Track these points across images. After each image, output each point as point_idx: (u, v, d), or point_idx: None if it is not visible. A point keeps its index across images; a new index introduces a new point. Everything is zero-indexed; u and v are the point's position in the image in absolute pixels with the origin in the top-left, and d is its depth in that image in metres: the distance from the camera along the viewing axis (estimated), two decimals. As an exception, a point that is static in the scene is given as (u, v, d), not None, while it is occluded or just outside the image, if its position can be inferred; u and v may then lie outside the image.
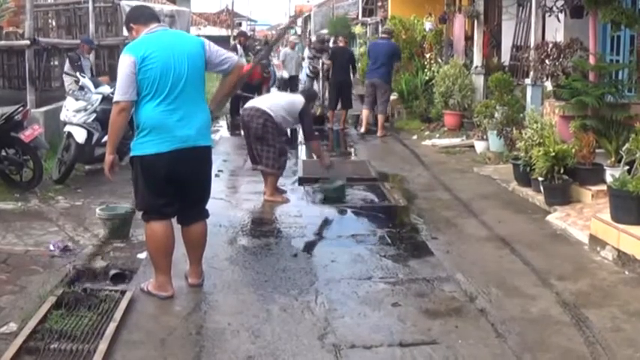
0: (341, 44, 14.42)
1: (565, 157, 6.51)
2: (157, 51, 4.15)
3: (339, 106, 13.25)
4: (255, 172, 7.37)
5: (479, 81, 11.63)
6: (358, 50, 20.55)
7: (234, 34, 28.64)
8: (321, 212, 6.83)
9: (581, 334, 3.88)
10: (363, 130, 12.31)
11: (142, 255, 5.08)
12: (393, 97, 13.36)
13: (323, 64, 14.76)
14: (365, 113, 12.40)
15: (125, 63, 4.12)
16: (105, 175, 4.46)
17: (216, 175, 7.93)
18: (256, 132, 6.99)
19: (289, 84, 15.64)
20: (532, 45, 8.80)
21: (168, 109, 4.16)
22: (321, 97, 15.17)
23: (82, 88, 8.20)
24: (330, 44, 15.08)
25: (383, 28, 13.96)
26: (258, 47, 19.05)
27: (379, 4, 21.80)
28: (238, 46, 14.89)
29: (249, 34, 37.81)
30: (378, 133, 12.05)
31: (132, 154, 4.29)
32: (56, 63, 11.94)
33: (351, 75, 13.55)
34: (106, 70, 12.02)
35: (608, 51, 8.24)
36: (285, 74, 15.76)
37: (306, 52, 16.69)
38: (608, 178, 6.09)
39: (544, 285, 4.67)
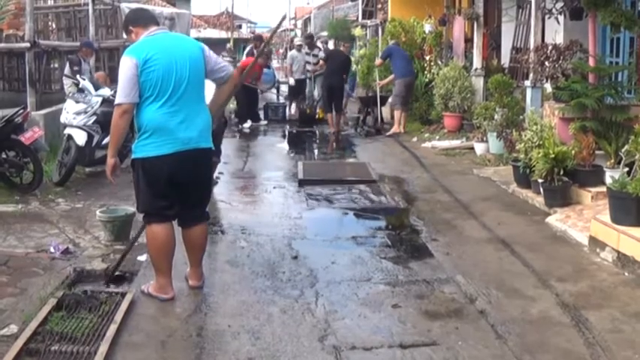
0: (341, 48, 14.43)
1: (565, 158, 6.52)
2: (159, 53, 4.15)
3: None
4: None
5: (479, 83, 11.64)
6: (358, 52, 20.52)
7: (251, 37, 28.40)
8: (322, 214, 6.85)
9: (581, 336, 3.89)
10: (402, 129, 12.39)
11: (143, 257, 5.09)
12: (391, 99, 13.40)
13: (318, 61, 14.75)
14: (400, 114, 12.50)
15: (127, 65, 4.12)
16: (107, 178, 4.48)
17: (217, 178, 7.95)
18: (217, 129, 7.13)
19: (298, 88, 15.49)
20: (532, 47, 8.82)
21: (170, 112, 4.17)
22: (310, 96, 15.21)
23: (82, 90, 8.21)
24: (330, 47, 14.95)
25: (392, 41, 13.99)
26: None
27: (379, 6, 21.79)
28: (255, 51, 14.55)
29: (249, 36, 37.70)
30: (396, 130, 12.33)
31: (133, 156, 4.29)
32: (56, 65, 11.96)
33: (343, 79, 13.46)
34: (107, 74, 12.01)
35: (608, 53, 8.25)
36: (292, 81, 15.53)
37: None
38: (608, 180, 6.09)
39: (544, 286, 4.67)
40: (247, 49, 16.91)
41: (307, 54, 15.36)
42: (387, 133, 12.43)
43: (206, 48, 4.43)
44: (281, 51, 41.26)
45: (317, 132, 13.40)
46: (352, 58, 15.80)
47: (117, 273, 4.81)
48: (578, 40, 8.03)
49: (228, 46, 24.49)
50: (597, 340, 3.82)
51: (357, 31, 23.37)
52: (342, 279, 4.83)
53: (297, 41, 17.45)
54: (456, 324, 4.07)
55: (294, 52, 16.18)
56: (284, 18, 6.93)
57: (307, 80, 15.50)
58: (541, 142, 6.81)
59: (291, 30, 45.30)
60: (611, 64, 8.10)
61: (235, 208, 7.03)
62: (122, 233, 5.57)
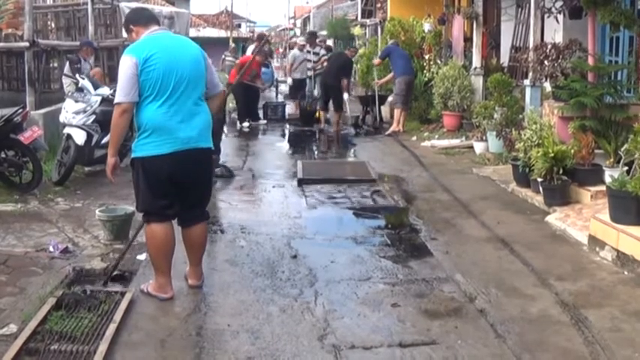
0: (346, 52, 14.71)
1: (564, 157, 6.52)
2: (160, 52, 4.14)
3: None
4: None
5: (478, 82, 11.64)
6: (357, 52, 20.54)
7: (250, 36, 28.33)
8: (321, 213, 6.85)
9: (581, 335, 3.89)
10: (402, 128, 12.38)
11: (142, 256, 5.09)
12: (391, 98, 13.41)
13: (319, 59, 14.78)
14: (400, 113, 12.49)
15: (127, 64, 4.11)
16: (106, 177, 4.47)
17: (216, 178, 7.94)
18: (215, 128, 7.21)
19: (298, 87, 15.51)
20: (531, 46, 8.81)
21: (170, 111, 4.16)
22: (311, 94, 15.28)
23: (81, 89, 8.21)
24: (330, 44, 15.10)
25: (392, 41, 14.02)
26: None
27: (378, 5, 21.80)
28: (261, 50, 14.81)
29: (248, 35, 37.60)
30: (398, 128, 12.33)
31: (133, 155, 4.28)
32: (55, 65, 11.96)
33: (341, 81, 13.45)
34: (106, 73, 12.04)
35: (607, 52, 8.24)
36: (289, 80, 15.60)
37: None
38: (607, 179, 6.09)
39: (543, 285, 4.67)
40: (251, 47, 16.95)
41: (309, 52, 15.40)
42: (387, 132, 12.44)
43: (206, 55, 4.45)
44: (281, 50, 41.24)
45: (316, 131, 13.40)
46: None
47: (116, 272, 4.81)
48: (577, 39, 8.03)
49: (231, 46, 24.42)
50: (597, 338, 3.82)
51: (357, 30, 23.41)
52: (341, 278, 4.83)
53: (300, 41, 17.48)
54: (456, 323, 4.07)
55: (295, 51, 16.21)
56: (266, 39, 7.18)
57: (307, 79, 15.54)
58: (540, 141, 6.81)
59: (291, 29, 45.29)
60: (610, 62, 8.10)
61: (235, 207, 7.02)
62: (121, 232, 5.57)
